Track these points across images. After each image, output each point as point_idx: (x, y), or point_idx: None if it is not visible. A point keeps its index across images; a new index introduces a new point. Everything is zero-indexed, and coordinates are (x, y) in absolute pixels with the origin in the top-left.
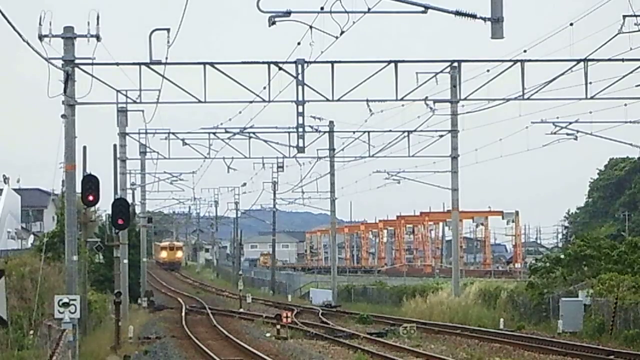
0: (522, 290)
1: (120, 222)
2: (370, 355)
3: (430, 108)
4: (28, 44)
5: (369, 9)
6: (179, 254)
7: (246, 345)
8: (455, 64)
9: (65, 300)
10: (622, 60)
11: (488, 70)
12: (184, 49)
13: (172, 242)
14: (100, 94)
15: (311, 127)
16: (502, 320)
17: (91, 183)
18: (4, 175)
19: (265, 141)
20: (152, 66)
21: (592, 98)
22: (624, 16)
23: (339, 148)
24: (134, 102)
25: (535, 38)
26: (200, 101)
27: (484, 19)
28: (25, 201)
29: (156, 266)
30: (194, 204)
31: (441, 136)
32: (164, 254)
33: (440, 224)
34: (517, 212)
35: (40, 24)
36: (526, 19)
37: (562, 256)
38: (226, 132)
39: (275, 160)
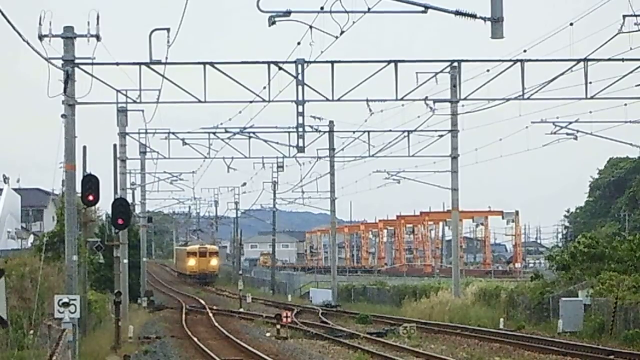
0: (522, 290)
1: (120, 222)
2: (370, 355)
3: (430, 108)
4: (28, 44)
5: (369, 9)
6: (214, 261)
7: (246, 345)
8: (455, 64)
9: (65, 300)
10: (622, 60)
11: (488, 70)
12: (184, 49)
13: (203, 244)
14: (100, 94)
15: (311, 127)
16: (502, 320)
17: (91, 183)
18: (4, 175)
19: (265, 141)
20: (152, 66)
21: (592, 98)
22: (624, 16)
23: (339, 148)
24: (134, 102)
25: (535, 38)
26: (200, 101)
27: (484, 19)
28: (25, 201)
29: (179, 279)
30: (194, 203)
31: (441, 136)
32: (192, 262)
33: (440, 223)
34: (517, 212)
35: (40, 24)
36: (526, 19)
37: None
38: (226, 132)
39: (275, 160)
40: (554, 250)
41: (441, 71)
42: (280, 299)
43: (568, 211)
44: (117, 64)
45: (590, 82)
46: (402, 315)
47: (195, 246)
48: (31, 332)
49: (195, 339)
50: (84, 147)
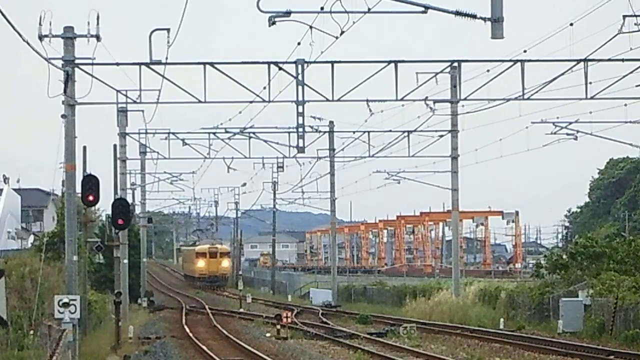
0: (522, 290)
1: (120, 222)
2: (370, 355)
3: (430, 108)
4: (28, 44)
5: (369, 9)
6: (225, 263)
7: (246, 345)
8: (455, 64)
9: (65, 300)
10: (622, 60)
11: (488, 70)
12: (184, 49)
13: (213, 244)
14: (100, 94)
15: (311, 127)
16: (502, 320)
17: (91, 183)
18: (4, 175)
19: (265, 141)
20: (152, 66)
21: (592, 98)
22: (624, 16)
23: (339, 148)
24: (134, 102)
25: (535, 38)
26: (200, 101)
27: (484, 19)
28: (25, 201)
29: (185, 281)
30: (194, 204)
31: (441, 136)
32: (201, 264)
33: (440, 224)
34: (517, 212)
35: (40, 24)
36: (526, 19)
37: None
38: (226, 132)
39: (275, 160)
40: (553, 250)
41: (441, 71)
42: (280, 299)
43: (568, 211)
44: (117, 64)
45: (590, 83)
46: (402, 315)
47: (205, 246)
48: (31, 332)
49: (195, 339)
50: (84, 147)
